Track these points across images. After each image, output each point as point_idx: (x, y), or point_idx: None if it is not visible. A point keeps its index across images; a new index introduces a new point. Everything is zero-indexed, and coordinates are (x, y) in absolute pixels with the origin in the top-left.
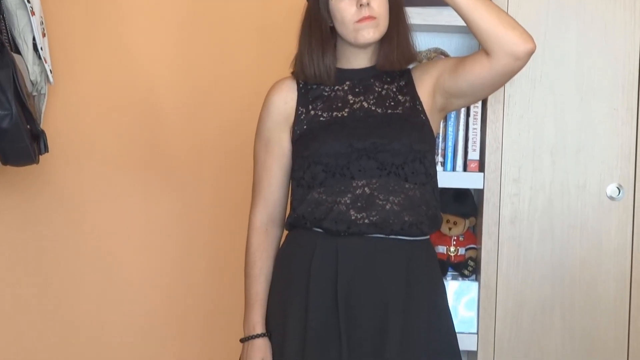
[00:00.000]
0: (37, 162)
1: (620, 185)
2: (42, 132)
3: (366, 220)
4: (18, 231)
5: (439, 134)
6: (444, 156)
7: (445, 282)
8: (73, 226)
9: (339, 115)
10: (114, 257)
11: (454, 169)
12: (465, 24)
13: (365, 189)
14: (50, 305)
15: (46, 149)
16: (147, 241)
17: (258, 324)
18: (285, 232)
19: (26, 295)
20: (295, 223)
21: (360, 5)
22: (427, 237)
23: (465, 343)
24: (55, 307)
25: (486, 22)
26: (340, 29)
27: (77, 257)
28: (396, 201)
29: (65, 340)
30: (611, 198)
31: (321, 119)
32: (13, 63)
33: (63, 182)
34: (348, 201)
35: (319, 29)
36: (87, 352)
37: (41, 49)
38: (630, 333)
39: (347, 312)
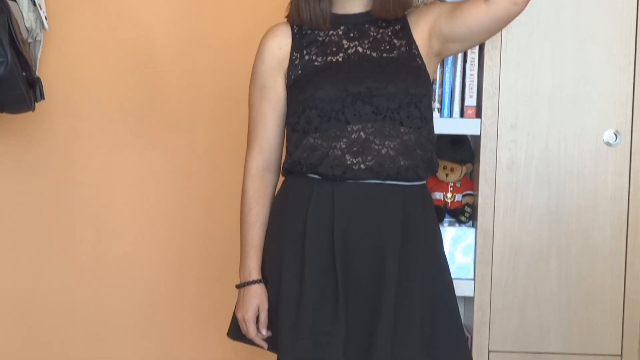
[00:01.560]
0: (33, 109)
1: (617, 131)
2: (38, 79)
3: (362, 165)
4: (13, 178)
5: (435, 80)
6: (441, 102)
7: (442, 229)
8: (68, 173)
9: (334, 60)
10: (109, 205)
11: (450, 115)
12: None
13: (361, 133)
14: (44, 252)
15: (42, 96)
16: (143, 189)
17: (254, 270)
18: (282, 178)
19: (21, 243)
20: (291, 169)
21: None
22: (423, 181)
23: (462, 289)
24: (49, 254)
25: None
26: None
27: (72, 205)
28: (392, 146)
29: (59, 286)
30: (608, 144)
31: (316, 63)
32: (8, 10)
33: (59, 129)
34: (343, 146)
35: None
36: (81, 298)
37: None
38: (627, 278)
39: (343, 257)
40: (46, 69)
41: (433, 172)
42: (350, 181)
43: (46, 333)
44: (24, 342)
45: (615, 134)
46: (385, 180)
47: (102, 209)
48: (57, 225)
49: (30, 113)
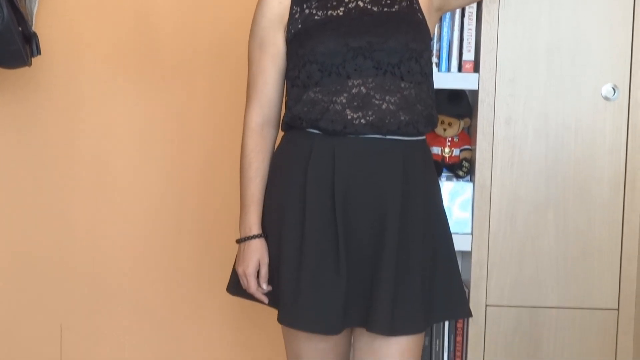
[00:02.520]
0: (30, 64)
1: (615, 86)
2: (34, 34)
3: (362, 120)
4: (11, 134)
5: (433, 34)
6: (439, 57)
7: (440, 183)
8: (66, 128)
9: (334, 14)
10: (108, 159)
11: (448, 69)
12: None
13: (361, 88)
14: (45, 206)
15: (38, 51)
16: (141, 143)
17: (254, 225)
18: (281, 133)
19: (21, 197)
20: (291, 123)
21: None
22: (423, 137)
23: (460, 243)
24: (50, 208)
25: None
26: None
27: (70, 160)
28: (392, 100)
29: (61, 238)
30: (606, 98)
31: (316, 17)
32: None
33: (55, 84)
34: (344, 101)
35: None
36: (78, 251)
37: None
38: (624, 232)
39: (344, 212)
40: (42, 24)
41: (433, 127)
42: (351, 136)
43: (42, 293)
44: (20, 302)
45: (613, 89)
46: (386, 135)
47: (100, 162)
48: (55, 178)
49: (26, 68)
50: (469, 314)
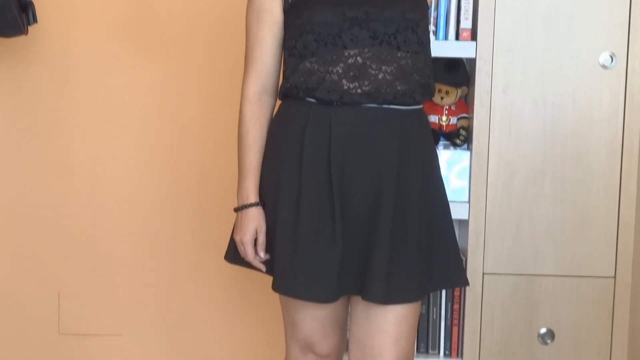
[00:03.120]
0: (26, 33)
1: (612, 54)
2: (30, 2)
3: (359, 90)
4: (7, 103)
5: (430, 2)
6: (436, 25)
7: (437, 152)
8: (62, 96)
9: None
10: (105, 127)
11: (446, 37)
12: None
13: (358, 58)
14: (42, 175)
15: (35, 20)
16: (139, 110)
17: (252, 193)
18: (279, 102)
19: (19, 166)
20: (288, 93)
21: None
22: (420, 106)
23: (457, 212)
24: (47, 177)
25: None
26: None
27: (66, 127)
28: (389, 70)
29: (59, 206)
30: (604, 66)
31: None
32: None
33: (52, 53)
34: (340, 71)
35: None
36: (77, 217)
37: None
38: (621, 201)
39: (340, 180)
40: None
41: (430, 96)
42: (348, 105)
43: (40, 261)
44: (18, 270)
45: (611, 57)
46: (382, 104)
47: (97, 129)
48: (52, 150)
49: (23, 37)
50: (466, 283)
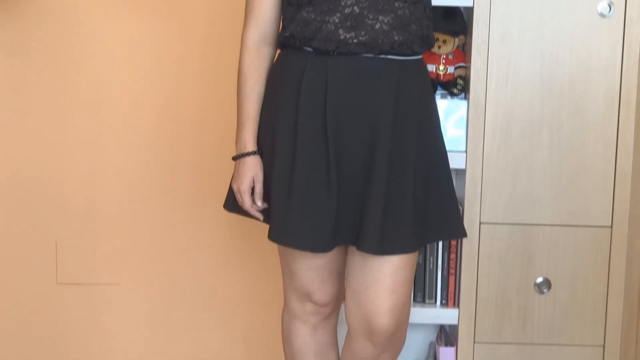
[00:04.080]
0: None
1: (611, 3)
2: None
3: (355, 40)
4: (5, 58)
5: None
6: None
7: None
8: (63, 48)
9: None
10: (103, 80)
11: None
12: None
13: (355, 8)
14: (42, 125)
15: None
16: (139, 61)
17: (249, 142)
18: (278, 51)
19: (18, 117)
20: (286, 42)
21: None
22: (419, 56)
23: (454, 161)
24: (46, 127)
25: None
26: None
27: (64, 81)
28: (386, 20)
29: (57, 156)
30: (602, 15)
31: None
32: None
33: (53, 7)
34: (337, 20)
35: None
36: (79, 167)
37: None
38: (618, 150)
39: (336, 130)
40: None
41: (429, 47)
42: (344, 55)
43: (38, 211)
44: (15, 220)
45: (609, 5)
46: (379, 55)
47: (98, 81)
48: (52, 101)
49: None
50: (464, 234)
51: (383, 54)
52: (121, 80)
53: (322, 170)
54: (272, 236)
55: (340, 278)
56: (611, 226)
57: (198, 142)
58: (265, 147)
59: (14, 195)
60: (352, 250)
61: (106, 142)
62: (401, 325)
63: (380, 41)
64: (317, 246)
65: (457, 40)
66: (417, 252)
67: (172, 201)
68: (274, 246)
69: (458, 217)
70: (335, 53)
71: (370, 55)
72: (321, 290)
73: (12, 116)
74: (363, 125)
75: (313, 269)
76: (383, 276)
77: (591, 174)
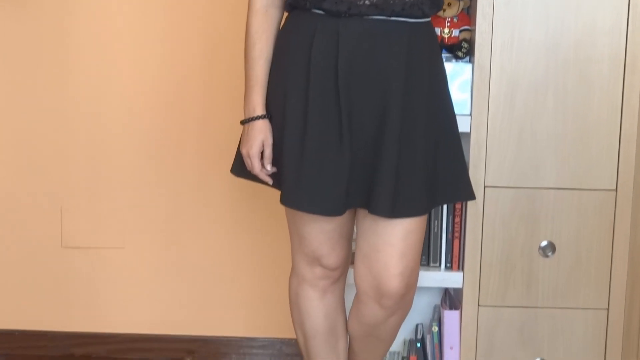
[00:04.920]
0: None
1: None
2: None
3: (367, 2)
4: (8, 15)
5: None
6: None
7: None
8: (64, 4)
9: None
10: (106, 35)
11: None
12: None
13: None
14: (45, 85)
15: None
16: (142, 17)
17: (258, 106)
18: (286, 14)
19: (21, 77)
20: (295, 4)
21: None
22: (428, 19)
23: (459, 125)
24: (50, 86)
25: None
26: None
27: (67, 38)
28: None
29: (62, 118)
30: None
31: None
32: None
33: None
34: None
35: None
36: (84, 130)
37: None
38: (623, 113)
39: (347, 93)
40: None
41: (438, 9)
42: (355, 17)
43: (43, 175)
44: (21, 184)
45: None
46: (391, 16)
47: (99, 37)
48: (55, 58)
49: None
50: (473, 197)
51: (394, 15)
52: (126, 37)
53: (334, 133)
54: (284, 200)
55: (349, 242)
56: (616, 189)
57: (205, 104)
58: (275, 111)
59: (19, 160)
60: (363, 213)
61: (111, 105)
62: (410, 288)
63: (391, 2)
64: (330, 210)
65: (461, 3)
66: (426, 216)
67: (177, 165)
68: (281, 210)
69: (467, 180)
70: (347, 15)
71: (381, 17)
72: (331, 254)
73: (15, 79)
74: (375, 88)
75: (324, 232)
76: (395, 239)
77: (596, 137)
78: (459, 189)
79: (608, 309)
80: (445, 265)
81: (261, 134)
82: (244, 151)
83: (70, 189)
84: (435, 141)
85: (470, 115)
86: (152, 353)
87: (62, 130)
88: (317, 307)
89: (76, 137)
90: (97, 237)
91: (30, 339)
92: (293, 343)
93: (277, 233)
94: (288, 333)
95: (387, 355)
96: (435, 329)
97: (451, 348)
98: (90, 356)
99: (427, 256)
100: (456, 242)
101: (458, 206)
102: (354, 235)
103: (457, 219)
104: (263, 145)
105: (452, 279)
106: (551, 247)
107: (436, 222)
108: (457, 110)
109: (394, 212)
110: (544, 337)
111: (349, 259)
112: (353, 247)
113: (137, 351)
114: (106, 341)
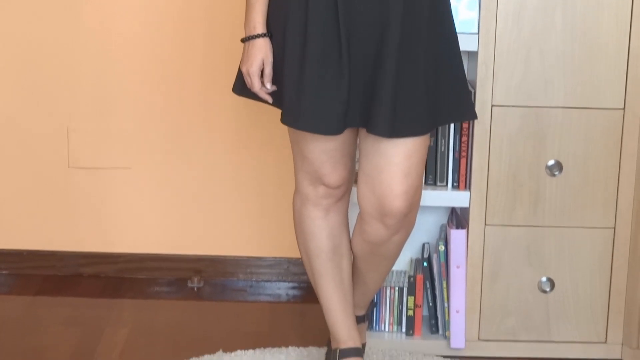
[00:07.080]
0: None
1: None
2: None
3: None
4: None
5: None
6: None
7: None
8: None
9: None
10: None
11: None
12: None
13: None
14: (48, 10)
15: None
16: None
17: (259, 24)
18: None
19: (25, 3)
20: None
21: None
22: None
23: (466, 43)
24: (53, 12)
25: None
26: None
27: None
28: None
29: (67, 38)
30: None
31: None
32: None
33: None
34: None
35: None
36: (90, 50)
37: None
38: (632, 32)
39: (346, 12)
40: None
41: None
42: None
43: (49, 95)
44: (27, 104)
45: None
46: None
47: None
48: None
49: None
50: (474, 116)
51: None
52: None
53: (333, 52)
54: (284, 120)
55: (352, 161)
56: (624, 108)
57: (208, 22)
58: (275, 30)
59: (25, 81)
60: (365, 133)
61: (117, 25)
62: (413, 207)
63: None
64: (330, 129)
65: None
66: (429, 135)
67: (182, 84)
68: (284, 130)
69: (468, 99)
70: None
71: None
72: (333, 173)
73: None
74: (374, 6)
75: (325, 152)
76: (397, 159)
77: (604, 56)
78: (460, 108)
79: (615, 228)
80: (452, 185)
81: (261, 52)
82: (243, 69)
83: (77, 109)
84: (435, 61)
85: (478, 33)
86: (159, 272)
87: (69, 50)
88: (321, 226)
89: (83, 56)
90: (104, 157)
91: (39, 259)
92: (300, 262)
93: (280, 152)
94: (295, 253)
95: (394, 274)
96: (441, 248)
97: (457, 267)
98: (98, 275)
99: (434, 175)
100: (463, 161)
101: (465, 125)
102: (357, 156)
103: (464, 138)
104: (263, 64)
105: (459, 198)
106: (558, 166)
107: (443, 141)
108: (464, 28)
109: (393, 131)
110: (550, 256)
111: (352, 178)
112: (357, 167)
113: (144, 270)
114: (114, 261)
